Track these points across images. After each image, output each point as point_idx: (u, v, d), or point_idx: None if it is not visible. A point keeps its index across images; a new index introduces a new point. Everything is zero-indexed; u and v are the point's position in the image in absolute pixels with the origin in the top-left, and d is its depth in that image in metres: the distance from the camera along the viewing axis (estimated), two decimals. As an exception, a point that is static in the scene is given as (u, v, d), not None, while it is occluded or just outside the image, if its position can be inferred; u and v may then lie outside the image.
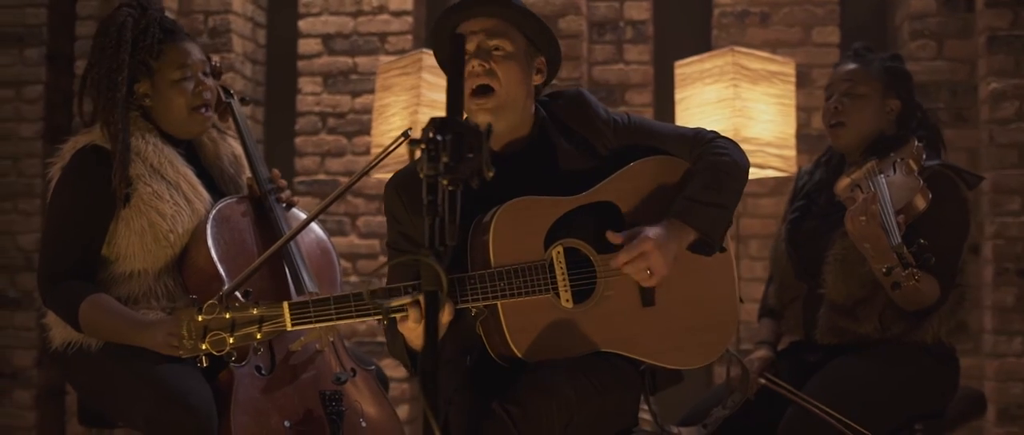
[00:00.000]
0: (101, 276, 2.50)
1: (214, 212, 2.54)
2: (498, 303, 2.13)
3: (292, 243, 2.56)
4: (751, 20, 4.33)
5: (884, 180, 2.40)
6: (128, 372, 2.38)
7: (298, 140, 4.64)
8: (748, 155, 3.54)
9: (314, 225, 2.72)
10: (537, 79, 2.33)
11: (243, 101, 2.87)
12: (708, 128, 2.43)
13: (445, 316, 2.04)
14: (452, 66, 1.54)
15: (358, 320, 2.06)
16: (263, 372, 2.44)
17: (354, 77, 4.58)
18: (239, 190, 2.70)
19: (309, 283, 2.54)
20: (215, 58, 2.80)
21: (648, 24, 4.39)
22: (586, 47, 4.37)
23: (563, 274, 2.18)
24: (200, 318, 2.01)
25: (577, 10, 4.32)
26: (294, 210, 2.70)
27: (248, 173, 2.72)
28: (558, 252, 2.18)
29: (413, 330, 2.06)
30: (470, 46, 2.24)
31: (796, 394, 2.48)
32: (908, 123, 2.73)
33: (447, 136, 1.46)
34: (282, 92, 4.81)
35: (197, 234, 2.51)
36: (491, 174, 1.51)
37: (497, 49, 2.24)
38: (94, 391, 2.53)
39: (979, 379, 4.02)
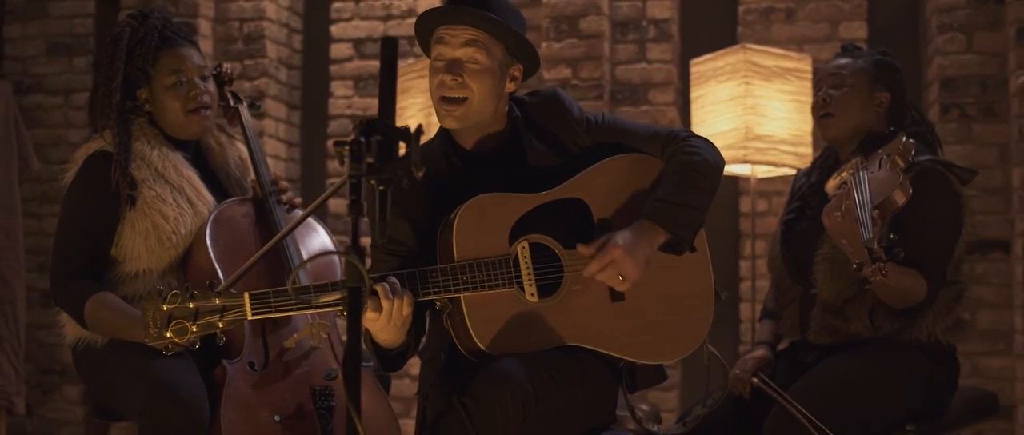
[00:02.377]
0: (109, 276, 2.60)
1: (215, 213, 2.62)
2: (461, 297, 2.14)
3: (289, 245, 2.63)
4: (776, 16, 4.29)
5: (866, 176, 2.38)
6: (125, 366, 2.47)
7: (331, 142, 4.74)
8: (760, 153, 3.56)
9: (318, 227, 2.79)
10: (511, 87, 2.33)
11: (252, 106, 2.96)
12: (681, 128, 2.44)
13: (404, 309, 2.06)
14: (385, 70, 1.58)
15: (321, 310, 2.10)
16: (256, 368, 2.51)
17: (383, 80, 4.66)
18: (245, 192, 2.78)
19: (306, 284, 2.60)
20: (227, 66, 2.89)
21: (671, 23, 4.38)
22: (608, 47, 4.38)
23: (528, 269, 2.19)
24: (165, 308, 2.08)
25: (598, 10, 4.34)
26: (297, 212, 2.77)
27: (253, 176, 2.81)
28: (523, 247, 2.20)
29: (372, 322, 2.09)
30: (447, 53, 2.25)
31: (782, 396, 2.46)
32: (900, 118, 2.70)
33: (373, 137, 1.50)
34: (317, 96, 4.93)
35: (198, 234, 2.60)
36: (421, 174, 1.54)
37: (472, 61, 2.24)
38: (98, 385, 2.64)
39: (1011, 380, 3.92)
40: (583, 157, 2.33)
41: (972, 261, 3.99)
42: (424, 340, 2.41)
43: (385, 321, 2.08)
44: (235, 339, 2.54)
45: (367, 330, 2.16)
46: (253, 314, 2.13)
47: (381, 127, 1.52)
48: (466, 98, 2.24)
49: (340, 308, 2.05)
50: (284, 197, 2.74)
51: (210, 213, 2.62)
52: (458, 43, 2.24)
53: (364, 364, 2.69)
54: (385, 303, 2.05)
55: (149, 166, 2.60)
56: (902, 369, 2.54)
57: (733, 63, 3.53)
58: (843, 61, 2.73)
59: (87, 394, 4.77)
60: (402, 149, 1.56)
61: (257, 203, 2.72)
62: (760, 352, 2.77)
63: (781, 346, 2.84)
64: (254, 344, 2.54)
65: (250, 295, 2.12)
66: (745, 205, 4.22)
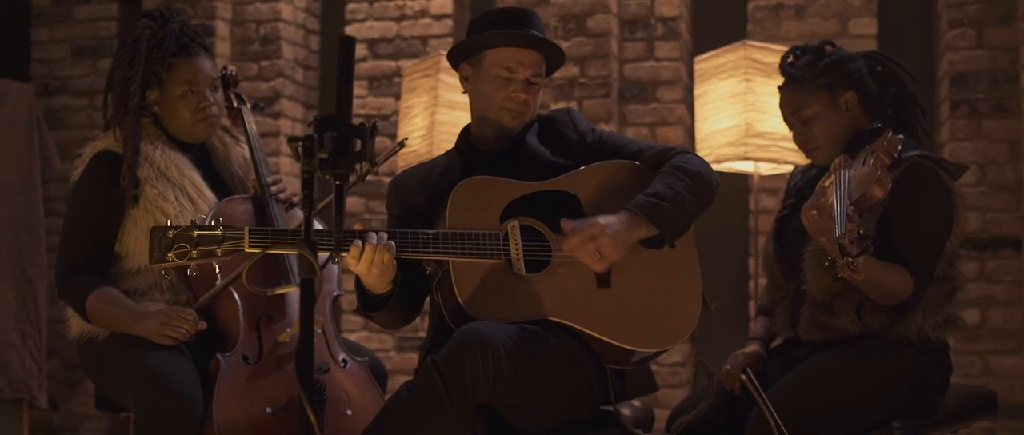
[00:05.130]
0: (112, 271, 2.68)
1: (214, 210, 2.69)
2: (450, 261, 2.23)
3: None
4: (786, 13, 4.29)
5: (847, 174, 2.38)
6: (123, 359, 2.55)
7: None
8: (761, 150, 3.55)
9: (320, 227, 2.85)
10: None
11: (256, 107, 3.04)
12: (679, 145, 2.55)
13: (384, 256, 2.18)
14: (342, 67, 1.62)
15: None
16: (250, 361, 2.57)
17: (397, 80, 4.72)
18: (248, 191, 2.85)
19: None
20: (232, 68, 2.96)
21: (679, 20, 4.39)
22: (617, 45, 4.40)
23: (517, 246, 2.28)
24: (170, 233, 2.18)
25: (606, 8, 4.36)
26: (296, 210, 2.83)
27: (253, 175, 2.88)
28: (513, 226, 2.28)
29: (354, 264, 2.23)
30: (522, 73, 2.44)
31: (762, 397, 2.46)
32: (876, 107, 2.66)
33: (328, 133, 1.55)
34: (333, 96, 4.99)
35: (198, 231, 2.67)
36: (374, 169, 1.59)
37: (536, 79, 2.47)
38: (100, 378, 2.73)
39: (1023, 379, 3.87)
40: (582, 161, 2.46)
41: (983, 259, 3.96)
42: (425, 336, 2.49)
43: (366, 267, 2.20)
44: (230, 333, 2.61)
45: (357, 276, 2.31)
46: (250, 247, 2.21)
47: (336, 123, 1.57)
48: (526, 111, 2.48)
49: (334, 253, 2.10)
50: (281, 196, 2.80)
51: (210, 210, 2.69)
52: (529, 63, 2.44)
53: (358, 359, 2.76)
54: (368, 247, 2.18)
55: (152, 165, 2.68)
56: (888, 366, 2.52)
57: (734, 60, 3.54)
58: (791, 91, 2.67)
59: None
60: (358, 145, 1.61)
61: (256, 201, 2.78)
62: (751, 348, 2.77)
63: (775, 343, 2.85)
64: (248, 338, 2.60)
65: (249, 230, 2.23)
66: (750, 202, 4.22)
